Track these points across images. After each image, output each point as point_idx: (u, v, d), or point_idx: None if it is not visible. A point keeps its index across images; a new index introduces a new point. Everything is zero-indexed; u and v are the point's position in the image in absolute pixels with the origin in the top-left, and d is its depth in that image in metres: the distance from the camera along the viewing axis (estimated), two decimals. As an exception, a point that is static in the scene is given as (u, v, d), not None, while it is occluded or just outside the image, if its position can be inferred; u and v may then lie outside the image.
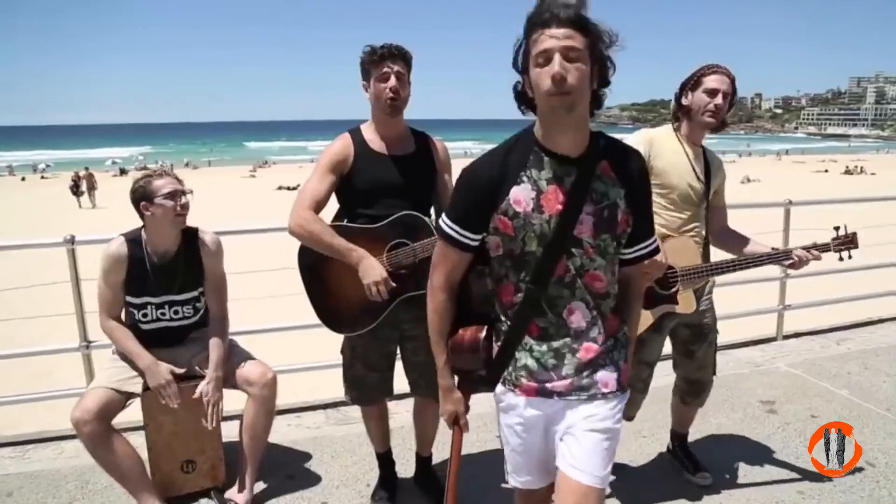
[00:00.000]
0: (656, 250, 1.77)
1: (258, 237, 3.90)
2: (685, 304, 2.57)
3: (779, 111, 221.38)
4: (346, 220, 2.46)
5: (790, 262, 2.58)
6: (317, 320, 2.54)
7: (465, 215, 1.65)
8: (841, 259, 2.67)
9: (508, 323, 1.67)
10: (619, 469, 2.95)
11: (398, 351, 2.63)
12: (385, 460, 2.82)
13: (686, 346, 2.75)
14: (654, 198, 2.27)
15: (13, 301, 8.22)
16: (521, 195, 1.57)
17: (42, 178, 40.31)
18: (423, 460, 2.88)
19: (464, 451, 3.01)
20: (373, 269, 2.29)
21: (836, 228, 2.66)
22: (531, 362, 1.66)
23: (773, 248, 2.65)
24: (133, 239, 2.65)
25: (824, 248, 2.65)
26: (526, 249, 1.59)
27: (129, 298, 2.67)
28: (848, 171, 36.33)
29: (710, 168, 2.64)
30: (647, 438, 3.29)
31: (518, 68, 1.57)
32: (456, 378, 1.79)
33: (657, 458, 3.14)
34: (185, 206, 2.64)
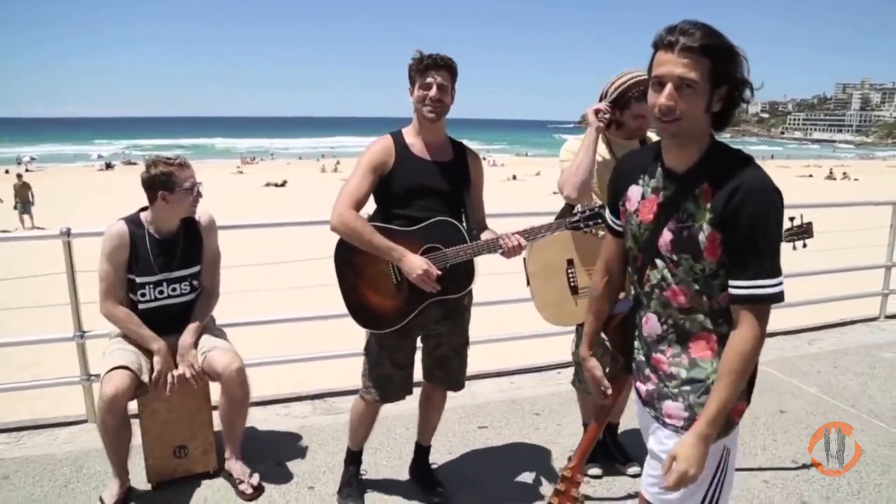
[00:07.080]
0: (753, 298, 1.47)
1: (250, 233, 4.01)
2: None
3: (765, 115, 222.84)
4: (380, 221, 2.47)
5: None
6: (298, 314, 2.65)
7: (609, 198, 1.80)
8: (794, 248, 2.82)
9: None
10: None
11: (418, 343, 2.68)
12: (356, 459, 2.83)
13: None
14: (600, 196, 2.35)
15: None
16: (632, 194, 1.68)
17: (27, 171, 39.92)
18: (422, 450, 2.90)
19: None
20: (415, 264, 2.33)
21: (791, 219, 2.82)
22: (635, 355, 1.75)
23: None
24: (133, 220, 2.78)
25: None
26: (628, 245, 1.71)
27: (129, 277, 2.78)
28: (832, 176, 36.83)
29: None
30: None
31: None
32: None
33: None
34: (198, 198, 2.84)
